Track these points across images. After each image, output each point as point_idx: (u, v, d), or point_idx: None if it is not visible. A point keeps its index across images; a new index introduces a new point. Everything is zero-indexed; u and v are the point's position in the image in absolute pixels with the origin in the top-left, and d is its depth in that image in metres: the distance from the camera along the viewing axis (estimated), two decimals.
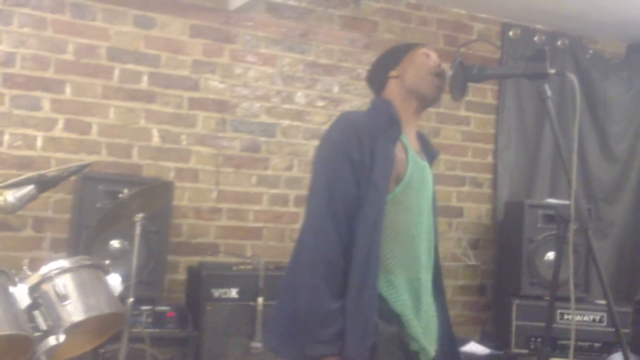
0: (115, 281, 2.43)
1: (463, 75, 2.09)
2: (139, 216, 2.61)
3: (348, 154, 1.89)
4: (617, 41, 5.13)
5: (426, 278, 2.00)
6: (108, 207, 2.75)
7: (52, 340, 2.12)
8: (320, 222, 1.86)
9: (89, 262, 2.40)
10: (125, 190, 2.66)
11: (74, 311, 2.23)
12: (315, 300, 1.81)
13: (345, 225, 1.86)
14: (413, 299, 1.94)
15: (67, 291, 2.23)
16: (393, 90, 2.07)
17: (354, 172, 1.89)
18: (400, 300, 1.90)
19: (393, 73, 2.08)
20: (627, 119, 4.95)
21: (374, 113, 2.03)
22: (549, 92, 2.07)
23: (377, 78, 2.14)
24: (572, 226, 2.10)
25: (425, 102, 2.09)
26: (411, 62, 2.08)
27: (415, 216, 1.97)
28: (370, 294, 1.85)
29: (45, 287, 2.22)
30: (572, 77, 2.05)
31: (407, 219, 1.95)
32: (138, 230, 2.63)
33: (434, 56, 2.10)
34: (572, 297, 2.15)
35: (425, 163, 2.08)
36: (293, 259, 1.98)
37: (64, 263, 2.32)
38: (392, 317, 1.89)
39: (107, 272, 2.44)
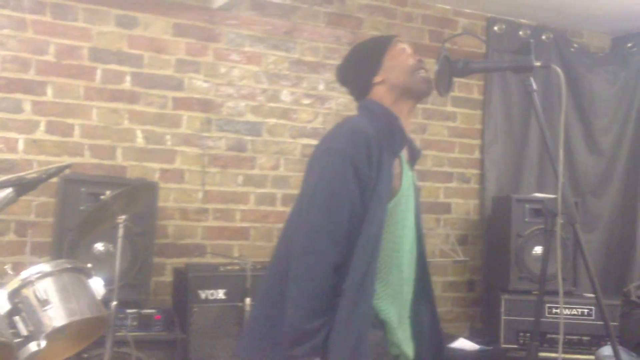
0: (97, 285, 2.39)
1: (448, 70, 2.07)
2: (122, 218, 2.57)
3: (356, 167, 1.82)
4: (602, 34, 5.14)
5: (408, 290, 1.98)
6: (89, 210, 2.70)
7: (33, 346, 2.08)
8: (318, 242, 1.78)
9: (70, 266, 2.36)
10: (107, 192, 2.62)
11: (55, 316, 2.19)
12: (297, 318, 1.77)
13: (344, 243, 1.80)
14: (397, 308, 1.92)
15: (48, 296, 2.19)
16: (381, 95, 2.00)
17: (360, 186, 1.82)
18: (387, 309, 1.89)
19: (377, 79, 2.01)
20: (613, 112, 4.96)
21: (376, 121, 1.93)
22: (534, 86, 2.06)
23: (358, 84, 2.07)
24: (559, 220, 2.08)
25: (418, 98, 2.06)
26: (393, 65, 2.02)
27: (399, 229, 1.94)
28: (366, 309, 1.82)
29: (26, 292, 2.18)
30: (558, 69, 2.05)
31: (393, 233, 1.91)
32: (121, 232, 2.59)
33: (409, 50, 2.06)
34: (561, 290, 2.14)
35: (412, 172, 2.06)
36: (277, 265, 1.92)
37: (45, 267, 2.28)
38: (378, 323, 1.88)
39: (89, 276, 2.41)
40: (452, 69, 2.07)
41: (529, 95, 2.06)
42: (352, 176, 1.82)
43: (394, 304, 1.91)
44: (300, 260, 1.80)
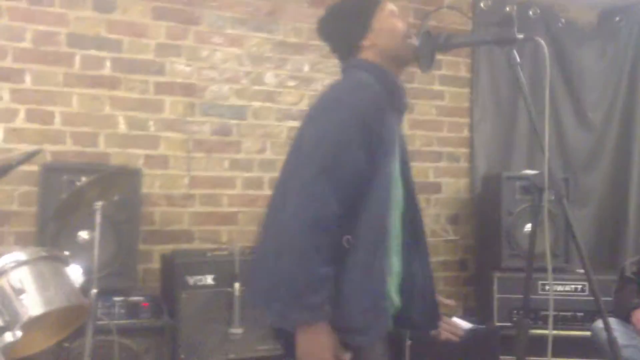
0: (75, 273, 2.33)
1: (430, 46, 2.01)
2: (99, 204, 2.51)
3: (368, 123, 1.75)
4: (589, 9, 5.08)
5: (397, 242, 1.91)
6: (65, 197, 2.64)
7: (8, 337, 2.02)
8: (315, 185, 1.66)
9: (46, 254, 2.30)
10: (83, 179, 2.56)
11: (31, 305, 2.13)
12: (302, 265, 1.64)
13: (349, 197, 1.71)
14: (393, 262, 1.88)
15: (24, 285, 2.12)
16: (369, 58, 1.95)
17: (370, 144, 1.75)
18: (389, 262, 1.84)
19: (366, 42, 1.95)
20: (602, 87, 4.92)
21: (376, 79, 1.88)
22: (517, 59, 2.01)
23: (344, 44, 1.99)
24: (547, 195, 2.04)
25: (404, 66, 2.02)
26: (382, 28, 1.96)
27: (392, 182, 1.86)
28: (382, 266, 1.77)
29: (0, 281, 2.12)
30: (541, 41, 1.99)
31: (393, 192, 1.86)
32: (99, 218, 2.53)
33: (397, 13, 2.01)
34: (549, 267, 2.10)
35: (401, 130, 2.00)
36: (269, 225, 1.83)
37: (20, 255, 2.21)
38: None
39: (66, 264, 2.34)
40: (433, 44, 2.01)
41: (512, 68, 2.01)
42: (362, 131, 1.74)
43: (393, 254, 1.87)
44: (296, 205, 1.68)
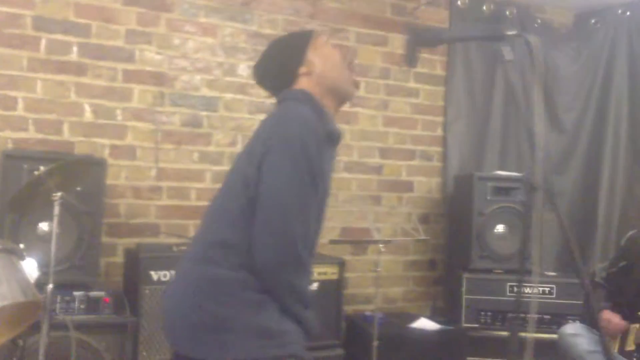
0: (30, 267, 2.23)
1: (416, 42, 1.97)
2: (57, 195, 2.40)
3: (312, 163, 1.74)
4: (565, 10, 5.08)
5: None
6: (22, 186, 2.53)
7: None
8: (291, 240, 1.73)
9: (0, 247, 2.19)
10: (41, 168, 2.45)
11: None
12: (302, 281, 1.81)
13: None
14: None
15: None
16: (306, 88, 1.89)
17: (316, 183, 1.77)
18: None
19: (302, 70, 1.90)
20: (575, 89, 4.92)
21: (315, 115, 1.83)
22: (507, 56, 1.96)
23: (280, 76, 1.93)
24: (540, 195, 1.99)
25: (343, 101, 1.96)
26: (319, 56, 1.92)
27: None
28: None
29: None
30: (532, 38, 1.95)
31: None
32: (57, 209, 2.42)
33: (332, 43, 1.98)
34: (537, 270, 2.04)
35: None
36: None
37: None
38: None
39: (21, 257, 2.24)
40: (421, 40, 1.96)
41: (503, 65, 1.96)
42: (310, 171, 1.74)
43: None
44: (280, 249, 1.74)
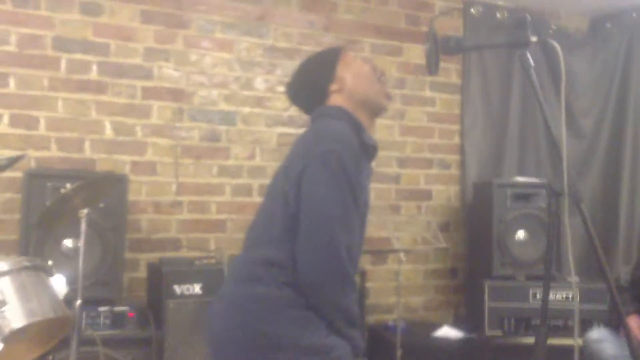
0: (59, 283, 2.26)
1: (438, 49, 1.98)
2: (84, 212, 2.44)
3: (352, 172, 1.76)
4: (580, 15, 5.07)
5: None
6: (49, 204, 2.57)
7: None
8: (336, 251, 1.73)
9: (29, 264, 2.23)
10: (68, 186, 2.49)
11: (13, 317, 2.06)
12: (346, 301, 1.81)
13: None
14: None
15: (5, 296, 2.06)
16: (338, 103, 1.92)
17: (355, 197, 1.79)
18: None
19: (333, 87, 1.93)
20: (592, 94, 4.91)
21: (350, 129, 1.86)
22: (531, 62, 1.97)
23: (312, 95, 1.97)
24: (566, 201, 1.98)
25: (376, 113, 1.99)
26: (349, 71, 1.95)
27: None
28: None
29: None
30: (555, 44, 1.96)
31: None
32: (84, 226, 2.46)
33: (362, 58, 2.02)
34: (573, 277, 2.02)
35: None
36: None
37: (2, 266, 2.14)
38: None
39: (50, 274, 2.28)
40: (443, 47, 1.98)
41: (526, 72, 1.97)
42: (350, 185, 1.76)
43: None
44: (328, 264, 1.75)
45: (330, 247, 1.72)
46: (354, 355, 1.80)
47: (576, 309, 2.16)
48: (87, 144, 3.66)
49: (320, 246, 1.72)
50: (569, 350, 3.56)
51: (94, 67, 3.69)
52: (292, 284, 1.75)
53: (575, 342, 1.98)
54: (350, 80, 1.94)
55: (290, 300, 1.75)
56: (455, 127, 4.69)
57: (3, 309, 2.04)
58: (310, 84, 1.97)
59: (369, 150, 1.92)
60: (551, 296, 3.92)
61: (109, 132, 3.71)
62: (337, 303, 1.76)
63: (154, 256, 3.71)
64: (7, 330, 2.04)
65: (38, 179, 3.19)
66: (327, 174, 1.74)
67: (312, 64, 2.02)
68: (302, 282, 1.73)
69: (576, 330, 2.05)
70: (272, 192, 1.88)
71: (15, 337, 2.07)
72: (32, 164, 3.48)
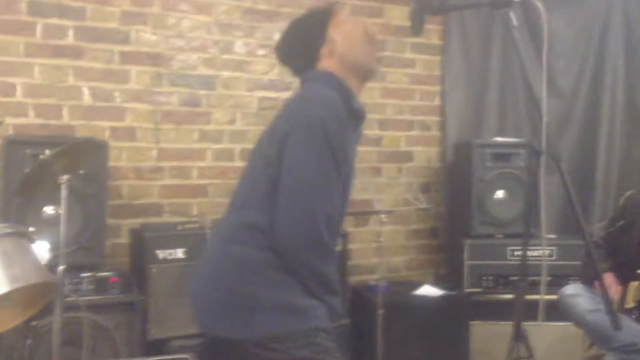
0: (42, 249, 2.28)
1: (423, 10, 1.98)
2: (64, 178, 2.44)
3: (335, 140, 1.77)
4: None
5: None
6: (29, 170, 2.57)
7: None
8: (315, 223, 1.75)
9: (11, 230, 2.24)
10: (47, 152, 2.48)
11: None
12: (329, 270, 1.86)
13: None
14: None
15: None
16: (329, 67, 1.92)
17: (338, 165, 1.80)
18: None
19: (324, 49, 1.93)
20: (572, 53, 4.92)
21: (338, 96, 1.85)
22: (514, 21, 1.99)
23: (302, 56, 1.96)
24: (543, 159, 2.03)
25: (366, 78, 1.99)
26: (340, 33, 1.94)
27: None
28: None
29: None
30: (538, 4, 1.98)
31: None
32: (64, 192, 2.46)
33: (354, 19, 2.00)
34: (543, 233, 2.08)
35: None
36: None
37: None
38: None
39: (32, 240, 2.29)
40: (427, 7, 1.98)
41: (509, 32, 1.99)
42: (332, 152, 1.77)
43: None
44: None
45: (307, 213, 1.74)
46: (331, 320, 1.84)
47: (544, 266, 2.21)
48: (65, 110, 3.64)
49: (297, 211, 1.74)
50: (545, 305, 3.67)
51: (70, 32, 3.64)
52: (273, 247, 1.78)
53: (541, 297, 2.05)
54: (341, 42, 1.93)
55: (270, 263, 1.79)
56: (436, 88, 4.70)
57: None
58: (301, 45, 1.97)
59: (357, 116, 1.93)
60: (529, 253, 4.00)
61: (87, 98, 3.69)
62: (313, 268, 1.80)
63: (136, 222, 3.73)
64: None
65: (16, 146, 3.17)
66: (309, 139, 1.75)
67: (303, 24, 2.00)
68: (279, 245, 1.76)
69: (543, 287, 2.12)
70: (256, 156, 1.90)
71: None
72: (10, 131, 3.45)
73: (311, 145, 1.75)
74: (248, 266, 1.80)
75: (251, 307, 1.77)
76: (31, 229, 2.35)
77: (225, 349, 1.83)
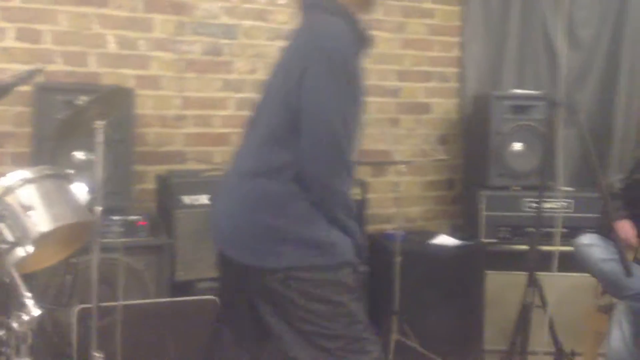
0: (81, 190, 2.38)
1: None
2: (100, 123, 2.52)
3: (352, 72, 1.86)
4: None
5: None
6: (65, 116, 2.64)
7: (20, 252, 2.08)
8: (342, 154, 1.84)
9: (51, 172, 2.34)
10: (82, 98, 2.55)
11: (40, 222, 2.18)
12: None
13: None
14: None
15: (32, 202, 2.18)
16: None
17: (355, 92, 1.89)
18: None
19: None
20: (592, 3, 4.87)
21: (344, 24, 1.90)
22: None
23: None
24: (562, 111, 2.07)
25: (368, 9, 2.03)
26: None
27: None
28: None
29: (9, 199, 2.16)
30: None
31: None
32: (101, 137, 2.54)
33: None
34: (560, 184, 2.13)
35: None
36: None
37: (26, 174, 2.25)
38: None
39: (71, 182, 2.39)
40: None
41: None
42: (350, 84, 1.85)
43: None
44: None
45: (333, 146, 1.81)
46: (356, 250, 1.92)
47: (559, 218, 2.28)
48: (91, 58, 3.69)
49: (323, 144, 1.81)
50: (562, 256, 3.75)
51: None
52: (296, 179, 1.84)
53: (556, 248, 2.11)
54: None
55: (295, 195, 1.85)
56: (455, 39, 4.69)
57: (30, 213, 2.16)
58: None
59: (365, 41, 1.99)
60: (545, 205, 4.07)
61: (112, 46, 3.73)
62: (338, 192, 1.87)
63: (161, 169, 3.82)
64: (35, 234, 2.16)
65: (48, 93, 3.25)
66: (330, 74, 1.81)
67: None
68: (307, 176, 1.83)
69: (557, 238, 2.18)
70: (273, 90, 1.95)
71: (42, 240, 2.20)
72: (40, 78, 3.52)
73: (331, 78, 1.81)
74: (273, 199, 1.86)
75: (278, 240, 1.84)
76: (71, 171, 2.43)
77: (245, 276, 1.89)
